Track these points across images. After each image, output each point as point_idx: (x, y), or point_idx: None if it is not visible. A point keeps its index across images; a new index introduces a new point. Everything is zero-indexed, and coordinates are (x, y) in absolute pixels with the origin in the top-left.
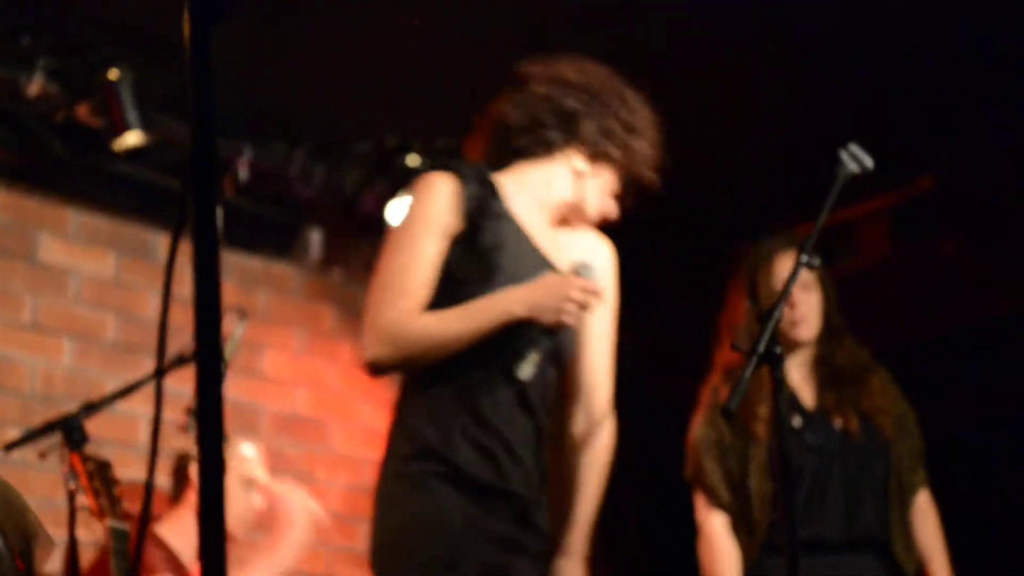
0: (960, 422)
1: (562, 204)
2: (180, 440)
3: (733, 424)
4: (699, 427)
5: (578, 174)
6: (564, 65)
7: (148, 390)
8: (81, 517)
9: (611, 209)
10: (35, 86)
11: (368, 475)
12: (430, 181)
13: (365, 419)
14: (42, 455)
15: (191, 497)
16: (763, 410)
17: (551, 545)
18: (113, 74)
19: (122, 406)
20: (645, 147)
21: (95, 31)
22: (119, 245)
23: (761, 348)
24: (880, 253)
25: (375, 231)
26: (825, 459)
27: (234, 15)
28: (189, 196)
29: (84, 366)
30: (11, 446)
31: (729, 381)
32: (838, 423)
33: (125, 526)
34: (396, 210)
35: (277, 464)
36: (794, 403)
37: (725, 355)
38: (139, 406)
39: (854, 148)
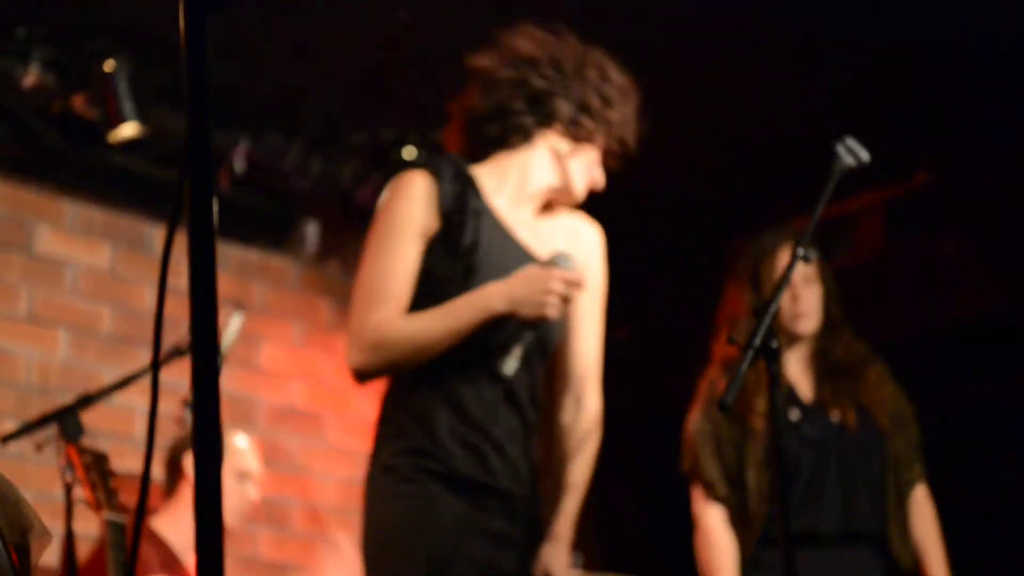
0: (954, 416)
1: (545, 190)
2: (176, 432)
3: (730, 417)
4: (696, 420)
5: (559, 156)
6: (528, 40)
7: (144, 382)
8: (78, 510)
9: (598, 181)
10: (31, 78)
11: (364, 468)
12: (406, 180)
13: (361, 412)
14: (38, 447)
15: (185, 490)
16: (760, 404)
17: (543, 538)
18: (109, 65)
19: (118, 398)
20: (625, 114)
21: (91, 22)
22: (115, 237)
23: (757, 342)
24: (876, 247)
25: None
26: (822, 453)
27: (229, 6)
28: (185, 188)
29: (80, 358)
30: (7, 438)
31: (727, 374)
32: (835, 416)
33: (122, 519)
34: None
35: (273, 456)
36: (792, 396)
37: (723, 348)
38: (135, 398)
39: (850, 142)
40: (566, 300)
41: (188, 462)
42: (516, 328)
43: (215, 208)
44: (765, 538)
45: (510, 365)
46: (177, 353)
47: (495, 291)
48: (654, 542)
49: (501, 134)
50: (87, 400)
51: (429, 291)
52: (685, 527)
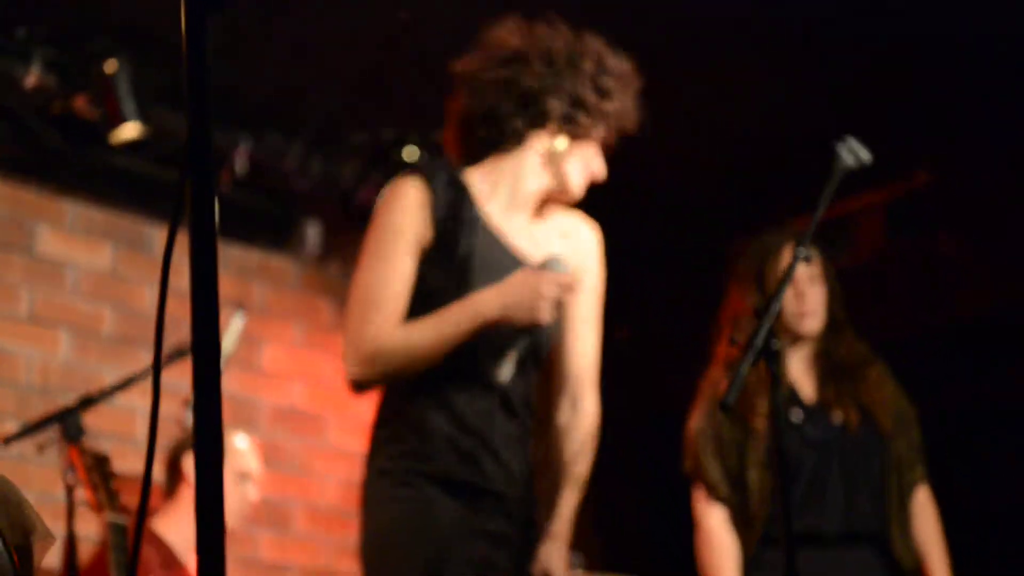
0: (954, 416)
1: (540, 193)
2: (177, 433)
3: (732, 418)
4: (698, 420)
5: (554, 158)
6: (515, 35)
7: (145, 383)
8: (79, 511)
9: (599, 173)
10: (32, 78)
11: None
12: (398, 190)
13: (362, 413)
14: (40, 449)
15: (185, 491)
16: (762, 404)
17: (539, 539)
18: (110, 66)
19: (120, 399)
20: (624, 102)
21: (91, 23)
22: (116, 237)
23: (759, 343)
24: (876, 247)
25: None
26: (824, 454)
27: (229, 6)
28: (186, 188)
29: (81, 359)
30: (9, 439)
31: (729, 374)
32: (837, 417)
33: (123, 520)
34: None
35: (274, 457)
36: (794, 397)
37: (725, 348)
38: (137, 399)
39: (851, 142)
40: (559, 304)
41: (188, 463)
42: (510, 334)
43: (216, 208)
44: (766, 538)
45: (505, 372)
46: (179, 354)
47: (487, 297)
48: (654, 542)
49: (494, 137)
50: (88, 401)
51: (424, 301)
52: (686, 527)
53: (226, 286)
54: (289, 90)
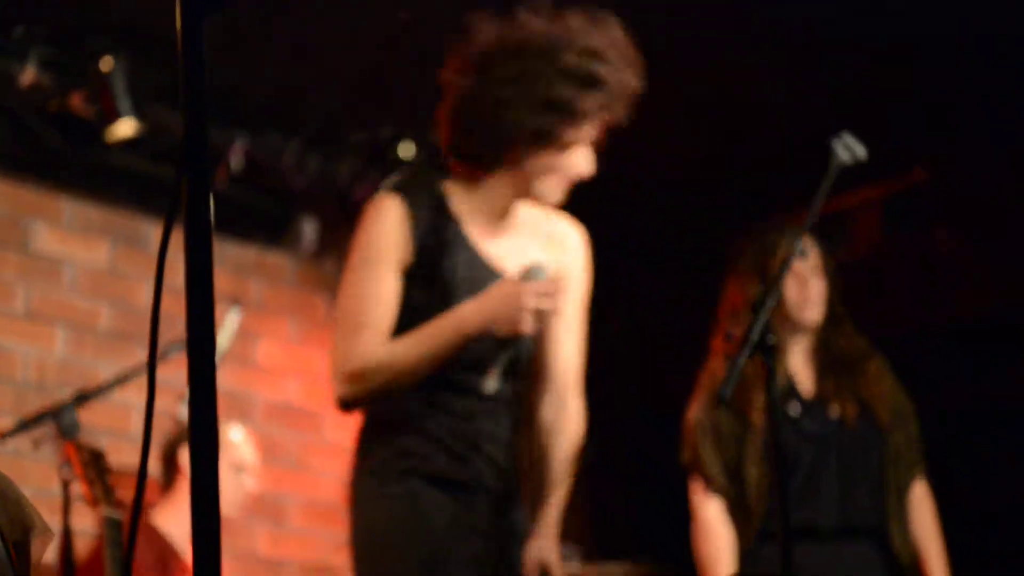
0: (953, 414)
1: (520, 206)
2: (172, 428)
3: (730, 410)
4: (697, 413)
5: (532, 175)
6: (483, 44)
7: (142, 379)
8: (76, 506)
9: (585, 174)
10: (28, 76)
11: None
12: (380, 209)
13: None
14: (36, 444)
15: (182, 484)
16: (759, 398)
17: (528, 534)
18: (106, 64)
19: (116, 395)
20: (618, 80)
21: (88, 21)
22: (113, 234)
23: (755, 337)
24: (873, 243)
25: None
26: (822, 448)
27: (228, 7)
28: (182, 185)
29: (78, 355)
30: (5, 435)
31: (728, 367)
32: (835, 411)
33: (119, 515)
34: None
35: (270, 453)
36: (793, 391)
37: (723, 341)
38: (133, 395)
39: (847, 138)
40: (540, 314)
41: (184, 456)
42: (493, 345)
43: (212, 205)
44: (763, 533)
45: (490, 384)
46: (174, 350)
47: (469, 311)
48: (649, 535)
49: (472, 153)
50: (84, 397)
51: (409, 322)
52: (680, 520)
53: (222, 282)
54: (286, 87)
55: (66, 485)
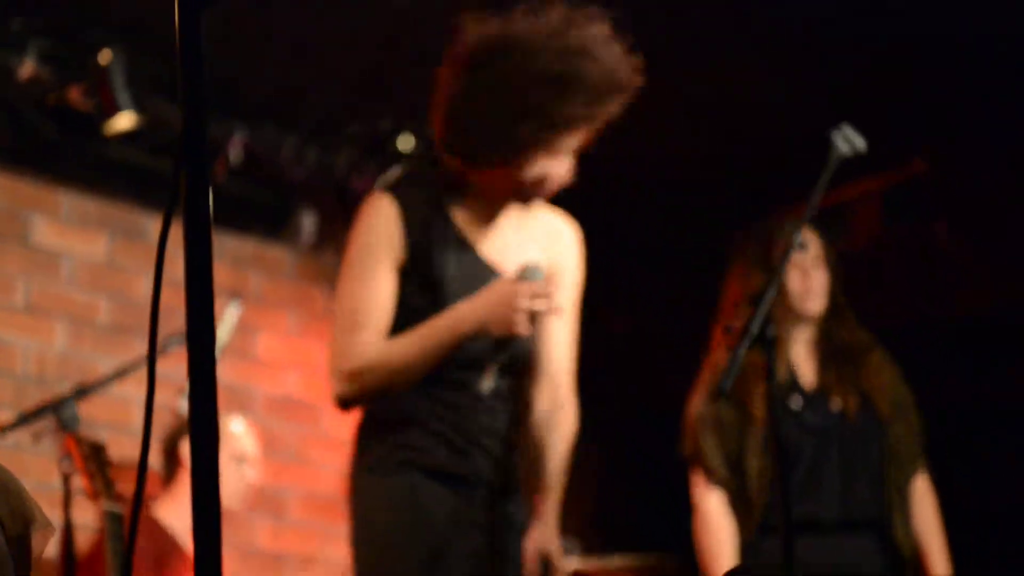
0: (950, 410)
1: (511, 207)
2: (172, 421)
3: (731, 403)
4: (698, 405)
5: (520, 183)
6: (475, 39)
7: (141, 372)
8: (76, 500)
9: (564, 182)
10: (27, 69)
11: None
12: (374, 209)
13: None
14: (36, 438)
15: (183, 476)
16: (760, 390)
17: (525, 528)
18: (105, 57)
19: (115, 388)
20: (603, 73)
21: (86, 14)
22: (111, 227)
23: (755, 329)
24: (872, 235)
25: None
26: (823, 440)
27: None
28: (181, 178)
29: (77, 348)
30: (5, 429)
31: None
32: (837, 404)
33: (119, 508)
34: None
35: (270, 446)
36: (794, 383)
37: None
38: (132, 388)
39: (847, 130)
40: (535, 314)
41: (185, 448)
42: (488, 347)
43: (211, 198)
44: (764, 525)
45: (486, 384)
46: (174, 343)
47: (464, 311)
48: (651, 529)
49: (464, 153)
50: (84, 390)
51: (407, 320)
52: (682, 514)
53: (221, 275)
54: (284, 80)
55: (66, 479)
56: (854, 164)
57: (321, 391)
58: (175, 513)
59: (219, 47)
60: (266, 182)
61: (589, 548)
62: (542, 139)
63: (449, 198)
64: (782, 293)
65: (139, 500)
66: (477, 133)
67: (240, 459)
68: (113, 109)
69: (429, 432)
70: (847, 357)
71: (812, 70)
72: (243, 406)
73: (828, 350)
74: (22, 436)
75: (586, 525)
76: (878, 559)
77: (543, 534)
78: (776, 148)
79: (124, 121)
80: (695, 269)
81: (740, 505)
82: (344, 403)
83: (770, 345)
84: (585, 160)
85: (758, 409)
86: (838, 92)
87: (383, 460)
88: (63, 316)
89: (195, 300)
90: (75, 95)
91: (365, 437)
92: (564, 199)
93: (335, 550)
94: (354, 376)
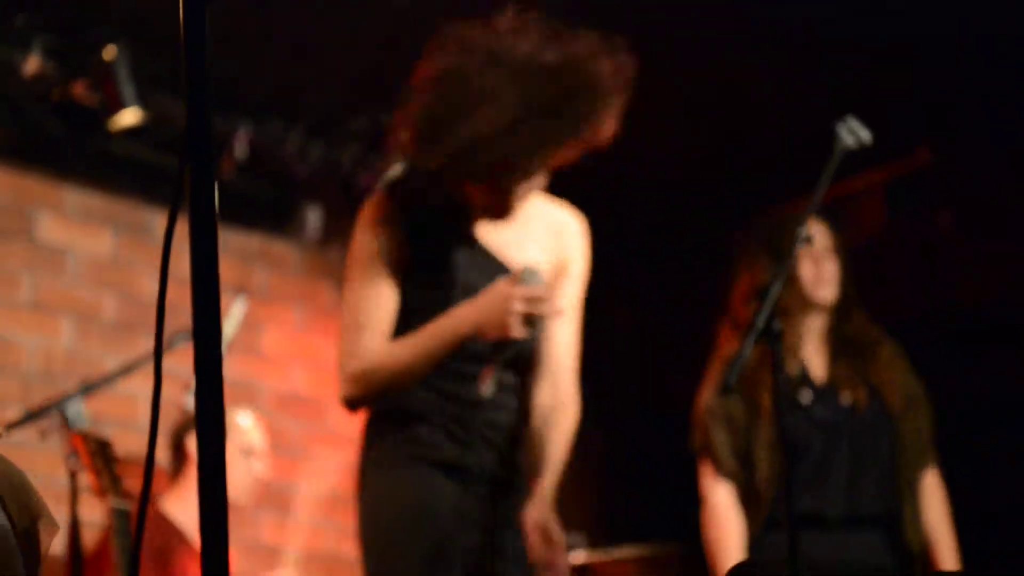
0: (955, 400)
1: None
2: (178, 417)
3: (739, 397)
4: (708, 397)
5: (507, 198)
6: (446, 57)
7: (147, 368)
8: (83, 497)
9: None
10: (31, 65)
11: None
12: (375, 208)
13: None
14: (42, 435)
15: (191, 471)
16: (768, 383)
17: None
18: (109, 53)
19: (122, 385)
20: (575, 93)
21: (91, 9)
22: (117, 223)
23: (760, 324)
24: (877, 227)
25: None
26: (833, 435)
27: None
28: (186, 174)
29: (83, 345)
30: (11, 426)
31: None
32: (847, 398)
33: (126, 505)
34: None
35: (276, 442)
36: (805, 377)
37: (738, 322)
38: (139, 385)
39: (852, 122)
40: (530, 318)
41: (192, 443)
42: (486, 349)
43: (216, 194)
44: (771, 521)
45: (486, 388)
46: (180, 339)
47: (463, 313)
48: (657, 523)
49: (436, 169)
50: (90, 387)
51: (416, 318)
52: (687, 508)
53: (227, 271)
54: (288, 75)
55: (73, 475)
56: (858, 157)
57: (327, 386)
58: (182, 508)
59: (220, 46)
60: (271, 177)
61: (594, 542)
62: (520, 160)
63: (453, 192)
64: (793, 283)
65: (146, 496)
66: (454, 151)
67: (247, 452)
68: (118, 105)
69: (435, 427)
70: (857, 350)
71: (812, 70)
72: (249, 402)
73: (839, 343)
74: (28, 433)
75: (591, 520)
76: (885, 555)
77: (539, 509)
78: (776, 148)
79: (129, 117)
80: (695, 268)
81: (748, 499)
82: (351, 404)
83: (776, 339)
84: (585, 160)
85: (766, 402)
86: (838, 91)
87: (390, 455)
88: (69, 313)
89: (201, 296)
90: (80, 91)
91: (373, 432)
92: (564, 199)
93: (340, 546)
94: (360, 378)
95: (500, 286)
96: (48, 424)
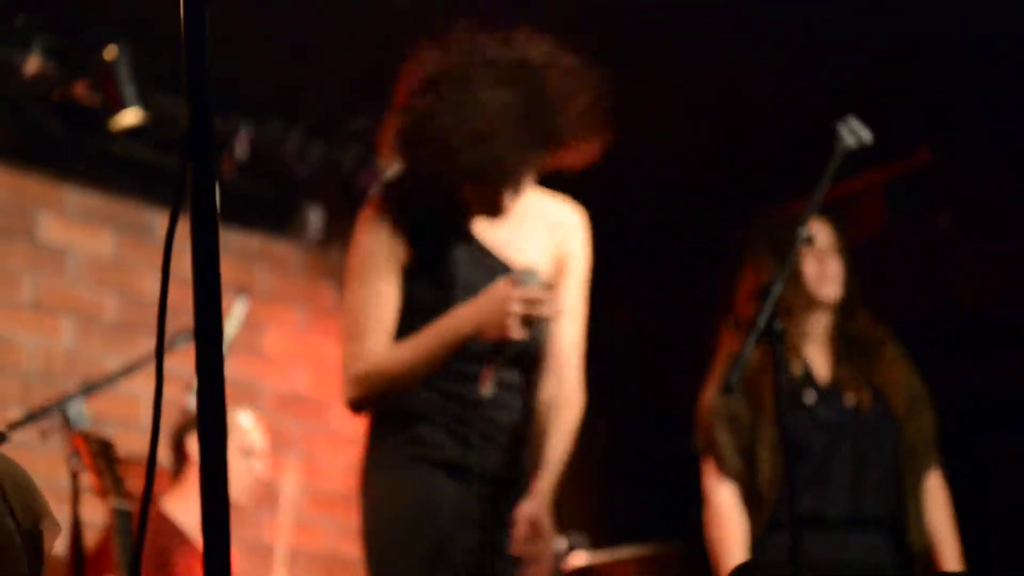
0: (956, 401)
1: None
2: (179, 417)
3: (744, 396)
4: (712, 396)
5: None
6: (423, 70)
7: (149, 369)
8: (84, 497)
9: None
10: (32, 65)
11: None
12: (374, 210)
13: None
14: (44, 435)
15: (191, 471)
16: (768, 385)
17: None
18: (110, 52)
19: (123, 385)
20: (550, 120)
21: (91, 9)
22: (118, 223)
23: (761, 324)
24: (877, 227)
25: None
26: (836, 436)
27: None
28: (187, 174)
29: (84, 345)
30: (13, 427)
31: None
32: (850, 399)
33: (128, 505)
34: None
35: (277, 442)
36: (808, 378)
37: (741, 322)
38: (140, 385)
39: (852, 122)
40: (530, 319)
41: (191, 444)
42: (485, 350)
43: (217, 194)
44: (774, 521)
45: (487, 388)
46: (182, 339)
47: (463, 314)
48: (658, 522)
49: (431, 173)
50: (92, 387)
51: (411, 319)
52: (689, 507)
53: (228, 271)
54: (288, 75)
55: (75, 476)
56: (858, 157)
57: (328, 387)
58: (183, 508)
59: (223, 42)
60: (272, 178)
61: (596, 543)
62: (508, 159)
63: (450, 193)
64: (798, 282)
65: (148, 496)
66: (445, 151)
67: (247, 452)
68: (118, 105)
69: (437, 427)
70: (861, 350)
71: (812, 70)
72: (250, 402)
73: (842, 343)
74: (30, 434)
75: (592, 519)
76: (888, 556)
77: (532, 504)
78: (776, 148)
79: (129, 117)
80: (695, 268)
81: (751, 499)
82: (356, 406)
83: (777, 339)
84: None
85: (769, 403)
86: (838, 91)
87: (392, 455)
88: (70, 313)
89: (202, 296)
90: (80, 91)
91: (376, 432)
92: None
93: (341, 546)
94: (364, 380)
95: (499, 287)
96: (49, 424)
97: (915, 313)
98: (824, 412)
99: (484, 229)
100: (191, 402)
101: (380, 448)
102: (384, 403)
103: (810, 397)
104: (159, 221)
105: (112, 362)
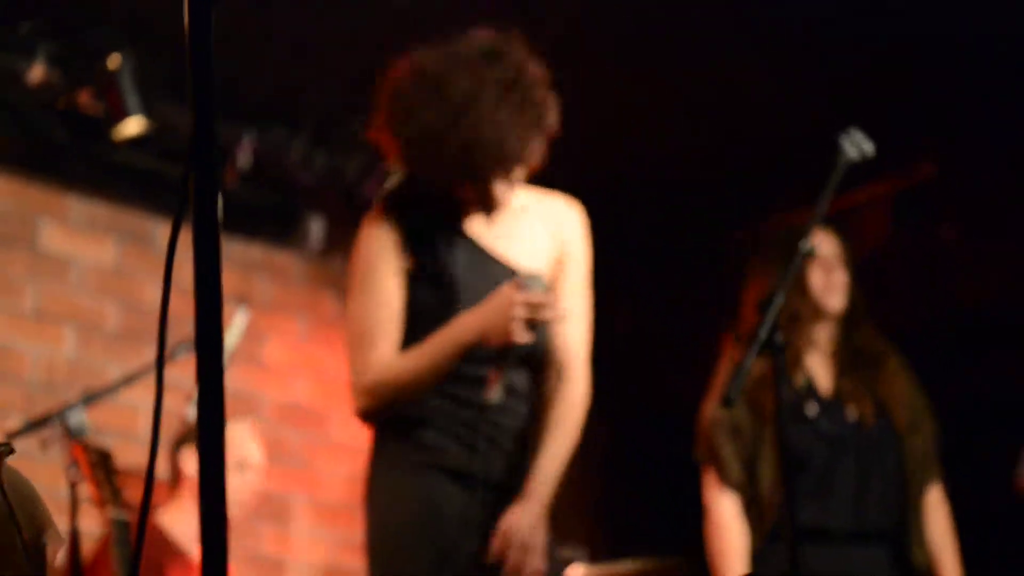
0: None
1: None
2: (179, 428)
3: (747, 408)
4: (714, 407)
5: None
6: (404, 74)
7: (149, 379)
8: (83, 507)
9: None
10: (35, 73)
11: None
12: (375, 219)
13: None
14: (44, 445)
15: (187, 484)
16: (770, 397)
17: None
18: (113, 61)
19: (123, 396)
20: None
21: (95, 17)
22: (120, 232)
23: (763, 336)
24: (881, 239)
25: None
26: (838, 448)
27: None
28: (189, 183)
29: (86, 354)
30: (13, 436)
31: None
32: (853, 412)
33: (126, 516)
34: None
35: (277, 452)
36: (810, 390)
37: (744, 331)
38: (140, 395)
39: (855, 134)
40: (532, 323)
41: (186, 458)
42: (490, 355)
43: (219, 203)
44: (775, 533)
45: (494, 393)
46: (183, 349)
47: (467, 321)
48: (657, 534)
49: (433, 175)
50: (92, 397)
51: (415, 323)
52: (687, 519)
53: (229, 281)
54: (291, 84)
55: (74, 486)
56: (861, 169)
57: (329, 397)
58: (178, 520)
59: (225, 51)
60: (274, 187)
61: (595, 555)
62: (501, 154)
63: (448, 195)
64: (803, 292)
65: (146, 507)
66: (434, 147)
67: (241, 465)
68: (122, 113)
69: (442, 431)
70: (864, 362)
71: (812, 70)
72: (251, 412)
73: (846, 356)
74: (30, 443)
75: (591, 527)
76: (889, 569)
77: (520, 512)
78: (776, 148)
79: (133, 126)
80: (695, 268)
81: (752, 511)
82: (366, 417)
83: (779, 351)
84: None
85: (771, 414)
86: (838, 92)
87: (397, 461)
88: (71, 322)
89: (203, 306)
90: (84, 99)
91: (382, 437)
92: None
93: (341, 558)
94: (373, 391)
95: (503, 292)
96: (50, 434)
97: (917, 323)
98: (826, 425)
99: (483, 229)
100: (192, 413)
101: (385, 453)
102: (394, 411)
103: (812, 409)
104: (161, 230)
105: (114, 371)
